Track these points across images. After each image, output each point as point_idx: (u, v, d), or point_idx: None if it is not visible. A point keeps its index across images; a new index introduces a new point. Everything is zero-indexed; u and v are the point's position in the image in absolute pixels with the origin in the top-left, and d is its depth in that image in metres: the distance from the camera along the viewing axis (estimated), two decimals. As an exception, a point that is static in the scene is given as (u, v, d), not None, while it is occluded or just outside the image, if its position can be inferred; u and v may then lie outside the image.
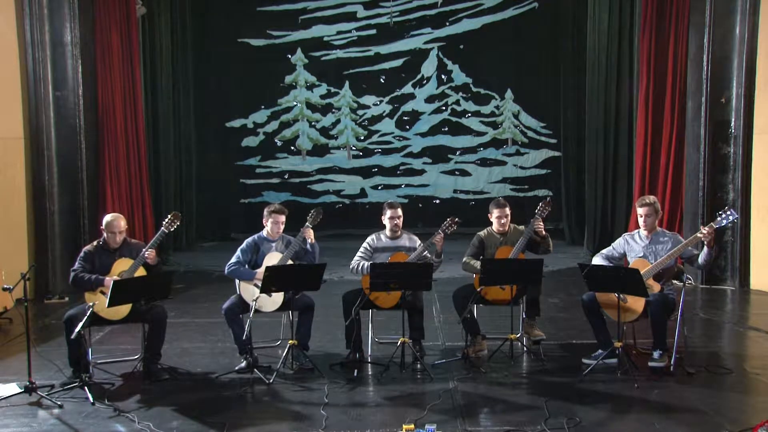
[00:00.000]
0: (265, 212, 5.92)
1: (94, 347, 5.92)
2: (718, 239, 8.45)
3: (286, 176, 14.36)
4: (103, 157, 9.50)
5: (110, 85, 9.61)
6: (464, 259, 6.06)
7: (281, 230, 5.90)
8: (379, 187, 14.33)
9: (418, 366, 5.59)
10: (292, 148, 14.38)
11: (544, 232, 5.89)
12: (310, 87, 14.27)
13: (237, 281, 5.77)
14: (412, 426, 4.24)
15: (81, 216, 9.04)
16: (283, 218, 5.88)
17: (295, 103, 14.29)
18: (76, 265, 5.55)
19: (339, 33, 14.17)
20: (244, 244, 5.90)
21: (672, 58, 9.38)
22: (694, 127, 8.93)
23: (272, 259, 5.71)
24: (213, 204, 13.82)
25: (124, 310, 5.41)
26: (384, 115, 14.31)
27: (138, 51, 10.34)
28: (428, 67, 14.22)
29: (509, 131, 14.19)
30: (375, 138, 14.34)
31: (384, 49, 14.16)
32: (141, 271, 5.47)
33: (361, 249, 6.03)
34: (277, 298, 5.68)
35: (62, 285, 8.54)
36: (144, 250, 5.51)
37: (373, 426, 4.46)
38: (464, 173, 14.31)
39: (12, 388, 5.09)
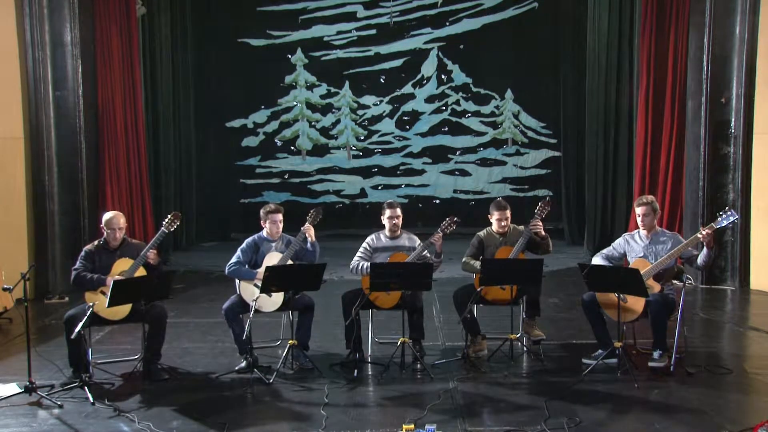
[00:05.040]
0: (261, 214, 5.92)
1: (94, 347, 5.92)
2: (718, 239, 8.47)
3: (286, 176, 14.36)
4: (103, 157, 9.50)
5: (110, 85, 9.61)
6: (464, 259, 6.06)
7: (280, 229, 5.90)
8: (379, 187, 14.32)
9: (418, 366, 5.59)
10: (292, 148, 14.37)
11: (543, 233, 5.89)
12: (310, 87, 14.27)
13: (237, 281, 5.77)
14: (412, 426, 4.25)
15: (81, 216, 9.04)
16: (280, 217, 5.87)
17: (295, 103, 14.28)
18: (77, 264, 5.56)
19: (339, 33, 14.15)
20: (244, 244, 5.90)
21: (672, 58, 9.38)
22: (694, 127, 8.93)
23: (272, 259, 5.71)
24: (213, 204, 13.82)
25: (124, 310, 5.41)
26: (384, 115, 14.30)
27: (138, 51, 10.34)
28: (428, 67, 14.21)
29: (509, 131, 14.18)
30: (375, 138, 14.33)
31: (384, 49, 14.15)
32: (141, 271, 5.47)
33: (361, 249, 6.03)
34: (277, 298, 5.68)
35: (62, 285, 8.54)
36: (144, 250, 5.52)
37: (373, 426, 4.46)
38: (464, 173, 14.30)
39: (12, 388, 5.09)
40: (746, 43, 8.46)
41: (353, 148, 14.37)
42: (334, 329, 6.48)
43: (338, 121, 14.31)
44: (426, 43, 14.16)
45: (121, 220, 5.66)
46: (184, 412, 4.74)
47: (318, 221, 5.86)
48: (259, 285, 5.47)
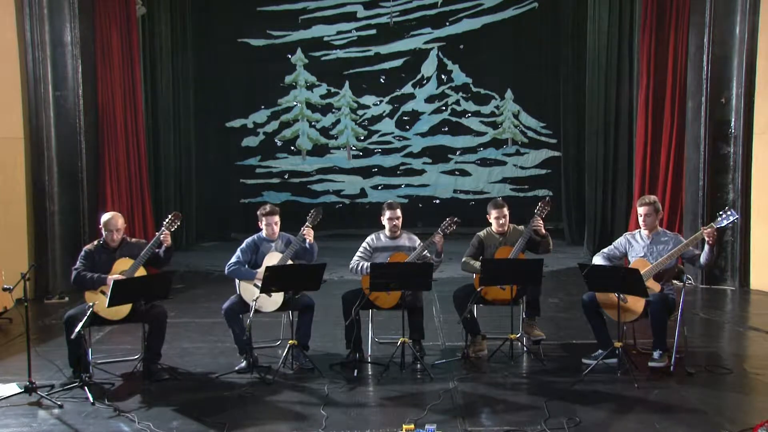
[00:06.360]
0: (258, 215, 5.91)
1: (94, 347, 5.92)
2: (718, 239, 8.45)
3: (286, 176, 14.37)
4: (103, 157, 9.50)
5: (110, 85, 9.62)
6: (463, 259, 6.06)
7: (277, 231, 5.89)
8: (379, 187, 14.33)
9: (418, 366, 5.58)
10: (292, 148, 14.39)
11: (543, 231, 5.89)
12: (310, 87, 14.28)
13: (237, 281, 5.77)
14: (412, 426, 4.24)
15: (81, 216, 9.05)
16: (276, 218, 5.87)
17: (295, 103, 14.29)
18: (77, 264, 5.56)
19: (339, 33, 14.18)
20: (243, 244, 5.90)
21: (672, 58, 9.38)
22: (694, 127, 8.93)
23: (272, 259, 5.71)
24: (213, 204, 13.83)
25: (124, 310, 5.41)
26: (384, 115, 14.31)
27: (138, 51, 10.35)
28: (428, 67, 14.23)
29: (509, 131, 14.19)
30: (375, 138, 14.35)
31: (384, 49, 14.17)
32: (141, 271, 5.47)
33: (361, 249, 6.03)
34: (277, 298, 5.68)
35: (62, 285, 8.55)
36: (146, 248, 5.52)
37: (373, 426, 4.46)
38: (464, 173, 14.32)
39: (12, 388, 5.09)
40: (746, 43, 8.45)
41: (353, 148, 14.37)
42: (334, 329, 6.48)
43: (338, 121, 14.32)
44: (426, 43, 14.18)
45: (119, 221, 5.65)
46: (184, 412, 4.73)
47: (318, 221, 5.86)
48: (259, 285, 5.47)
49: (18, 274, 5.20)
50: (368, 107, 14.30)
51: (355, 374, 5.46)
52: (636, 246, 5.70)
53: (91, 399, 4.87)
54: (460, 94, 14.23)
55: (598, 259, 5.80)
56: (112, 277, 5.38)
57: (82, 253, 5.64)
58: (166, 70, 11.92)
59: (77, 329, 4.93)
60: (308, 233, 5.76)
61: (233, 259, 5.81)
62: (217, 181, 13.90)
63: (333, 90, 14.27)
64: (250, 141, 14.30)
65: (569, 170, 12.79)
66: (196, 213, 13.16)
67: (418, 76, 14.26)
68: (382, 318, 6.36)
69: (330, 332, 6.52)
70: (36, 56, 8.60)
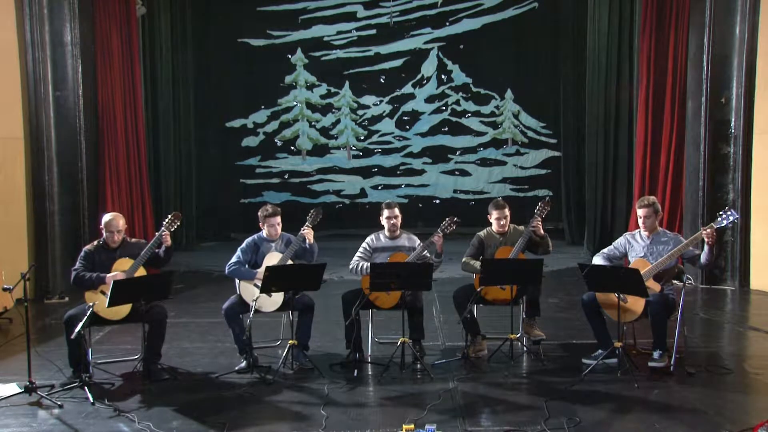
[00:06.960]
0: (260, 216, 5.91)
1: (94, 347, 5.92)
2: (718, 239, 8.45)
3: (286, 176, 14.38)
4: (103, 157, 9.50)
5: (110, 85, 9.62)
6: (464, 259, 6.06)
7: (279, 231, 5.90)
8: (379, 187, 14.33)
9: (418, 366, 5.58)
10: (292, 148, 14.39)
11: (542, 232, 5.89)
12: (310, 87, 14.28)
13: (237, 281, 5.77)
14: (412, 426, 4.24)
15: (81, 216, 9.05)
16: (278, 219, 5.87)
17: (295, 103, 14.30)
18: (77, 264, 5.56)
19: (339, 33, 14.19)
20: (244, 244, 5.90)
21: (672, 58, 9.38)
22: (694, 127, 8.93)
23: (272, 259, 5.71)
24: (213, 204, 13.83)
25: (124, 310, 5.41)
26: (384, 115, 14.32)
27: (138, 51, 10.35)
28: (428, 67, 14.24)
29: (509, 131, 14.20)
30: (375, 138, 14.35)
31: (384, 49, 14.18)
32: (141, 271, 5.48)
33: (360, 249, 6.03)
34: (277, 298, 5.68)
35: (62, 285, 8.54)
36: (146, 248, 5.51)
37: (373, 426, 4.46)
38: (464, 173, 14.32)
39: (12, 388, 5.09)
40: (746, 43, 8.45)
41: (353, 148, 14.38)
42: (334, 329, 6.49)
43: (338, 121, 14.33)
44: (426, 43, 14.18)
45: (120, 222, 5.65)
46: (184, 412, 4.73)
47: (318, 222, 5.86)
48: (259, 285, 5.47)
49: (18, 274, 5.19)
50: (368, 107, 14.31)
51: (355, 374, 5.46)
52: (636, 246, 5.69)
53: (91, 399, 4.87)
54: (460, 94, 14.23)
55: (598, 259, 5.80)
56: (111, 275, 5.38)
57: (82, 253, 5.64)
58: (166, 70, 11.93)
59: (77, 329, 4.94)
60: (308, 233, 5.77)
61: (233, 259, 5.81)
62: (217, 181, 13.92)
63: (333, 90, 14.29)
64: (250, 141, 14.31)
65: (569, 170, 12.80)
66: (196, 213, 13.16)
67: (418, 76, 14.27)
68: (382, 318, 6.35)
69: (330, 332, 6.52)
70: (36, 56, 8.60)
